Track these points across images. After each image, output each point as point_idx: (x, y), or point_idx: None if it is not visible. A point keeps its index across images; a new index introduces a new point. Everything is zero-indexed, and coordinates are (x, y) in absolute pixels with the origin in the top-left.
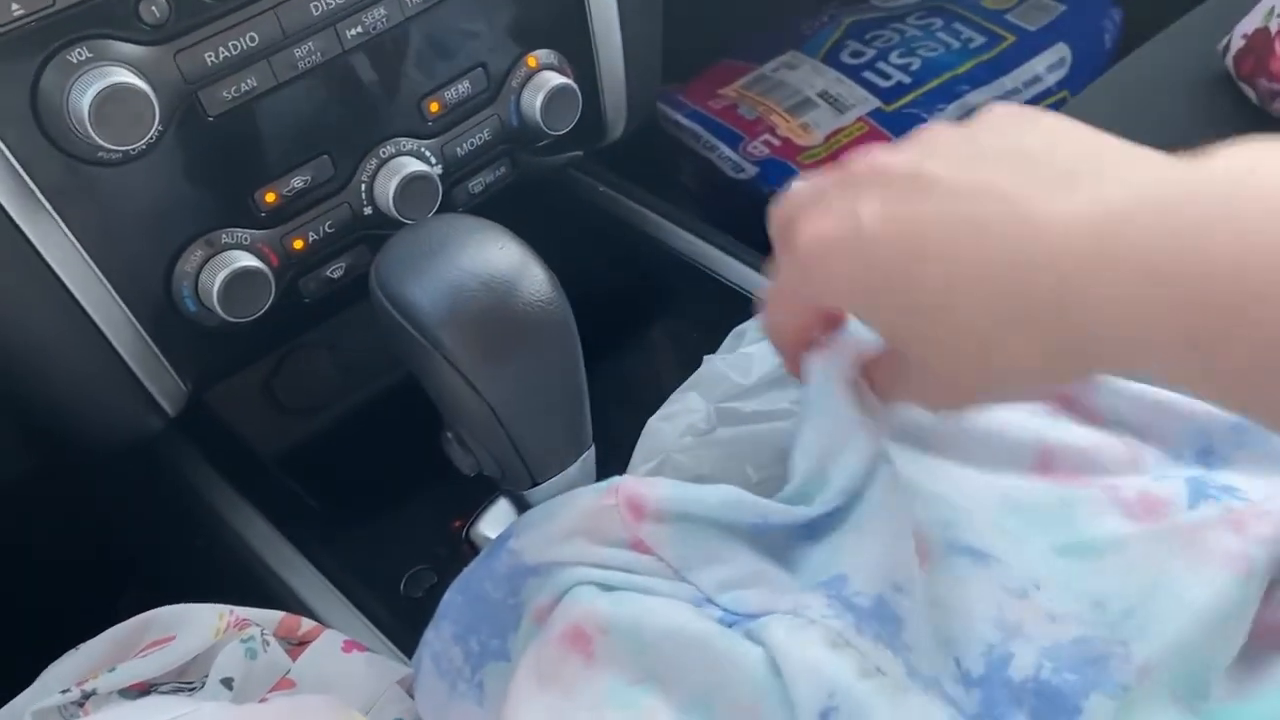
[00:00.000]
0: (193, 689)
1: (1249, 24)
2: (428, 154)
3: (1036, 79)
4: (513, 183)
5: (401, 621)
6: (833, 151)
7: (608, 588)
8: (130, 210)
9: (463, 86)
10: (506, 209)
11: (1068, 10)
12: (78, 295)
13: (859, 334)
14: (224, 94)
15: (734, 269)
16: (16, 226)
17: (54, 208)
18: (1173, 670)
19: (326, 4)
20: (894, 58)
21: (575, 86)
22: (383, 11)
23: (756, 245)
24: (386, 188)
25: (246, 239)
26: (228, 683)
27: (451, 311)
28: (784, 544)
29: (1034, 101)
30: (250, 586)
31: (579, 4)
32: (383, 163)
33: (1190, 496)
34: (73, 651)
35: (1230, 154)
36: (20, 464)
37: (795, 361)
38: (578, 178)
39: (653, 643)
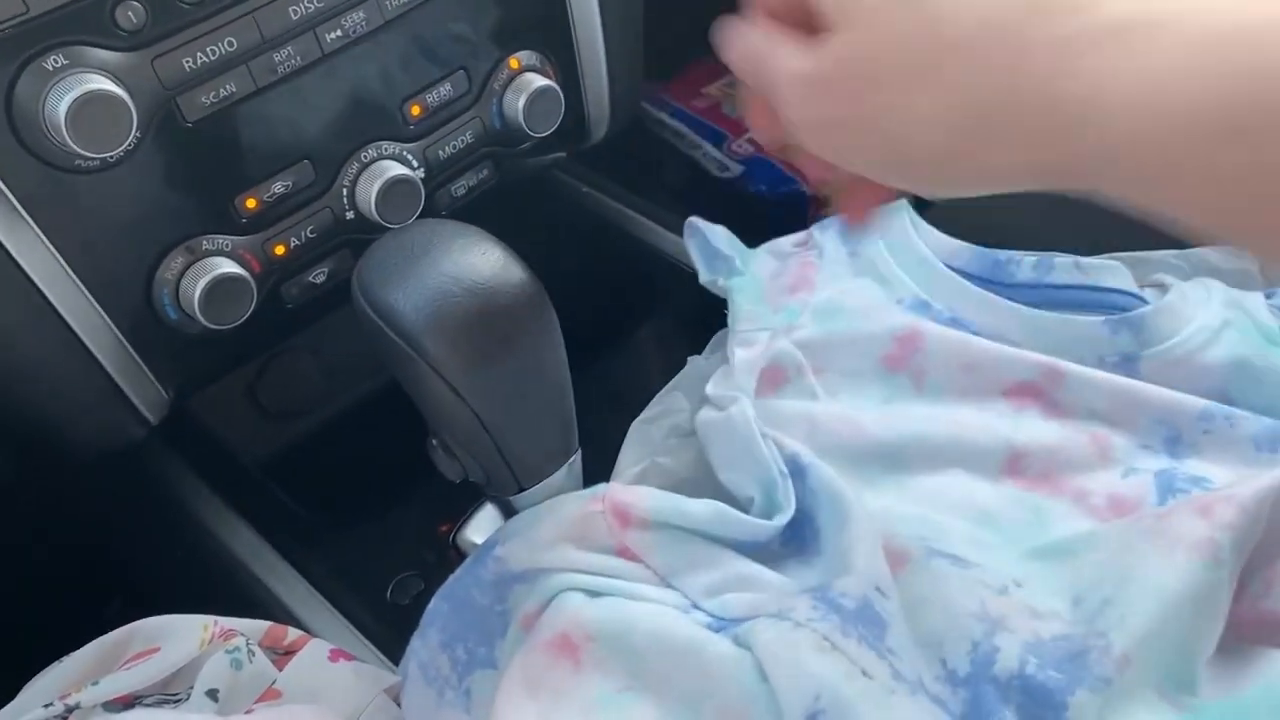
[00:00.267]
0: (178, 700)
1: None
2: (410, 157)
3: None
4: (496, 185)
5: (389, 629)
6: None
7: (594, 594)
8: (109, 218)
9: (444, 89)
10: (490, 211)
11: None
12: (56, 304)
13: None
14: (203, 100)
15: None
16: None
17: (31, 216)
18: (1153, 660)
19: (305, 8)
20: None
21: (558, 88)
22: (362, 15)
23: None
24: (368, 192)
25: (227, 245)
26: (213, 694)
27: (435, 317)
28: (767, 554)
29: None
30: (236, 595)
31: (560, 5)
32: (364, 167)
33: (1159, 494)
34: (56, 664)
35: None
36: (1, 473)
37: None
38: (561, 179)
39: (640, 649)
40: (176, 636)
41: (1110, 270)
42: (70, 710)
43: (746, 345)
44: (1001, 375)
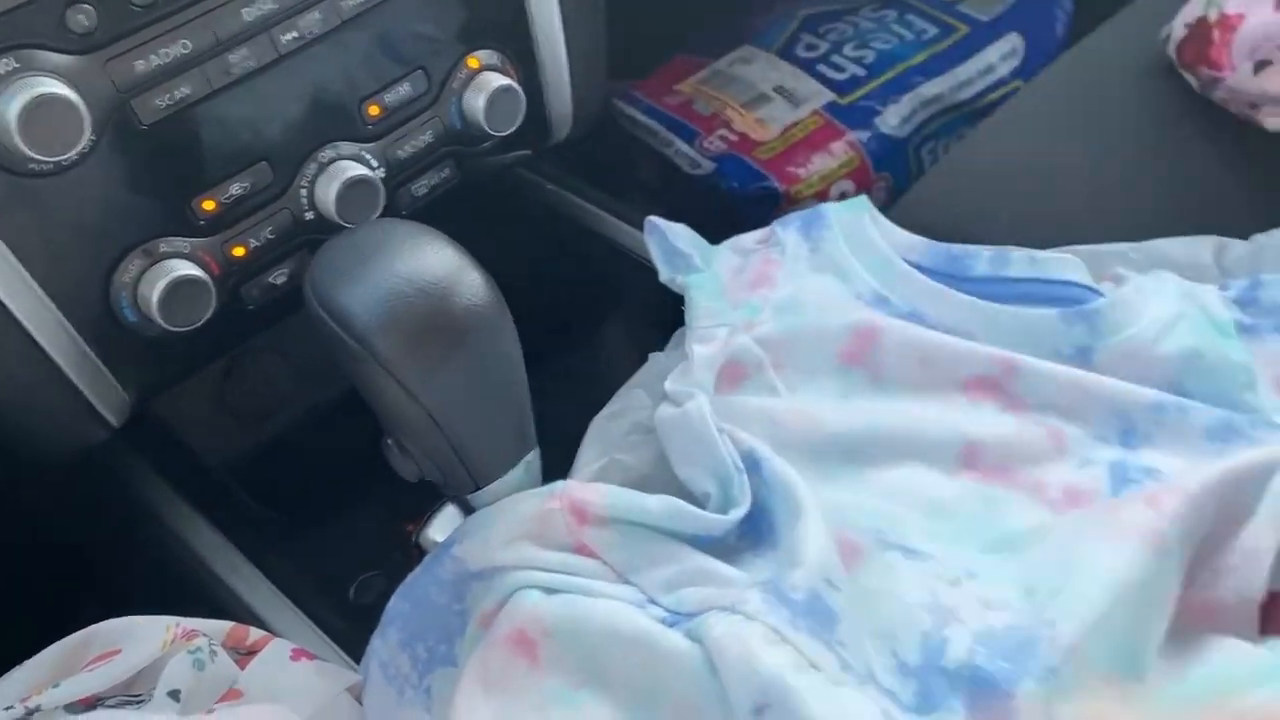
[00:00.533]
0: (140, 702)
1: (1190, 12)
2: (369, 157)
3: (990, 69)
4: (460, 183)
5: (353, 628)
6: (788, 145)
7: (551, 591)
8: (65, 221)
9: (403, 89)
10: (454, 210)
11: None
12: (12, 308)
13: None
14: (157, 102)
15: None
16: None
17: None
18: (1101, 649)
19: (260, 10)
20: (848, 50)
21: (518, 87)
22: (318, 16)
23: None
24: (327, 192)
25: (185, 247)
26: (174, 695)
27: (386, 318)
28: (724, 548)
29: (988, 91)
30: (200, 596)
31: (519, 5)
32: (323, 167)
33: (1112, 485)
34: (17, 668)
35: None
36: None
37: None
38: (526, 177)
39: (595, 645)
40: (138, 638)
41: (1065, 263)
42: (31, 713)
43: (704, 342)
44: (958, 369)
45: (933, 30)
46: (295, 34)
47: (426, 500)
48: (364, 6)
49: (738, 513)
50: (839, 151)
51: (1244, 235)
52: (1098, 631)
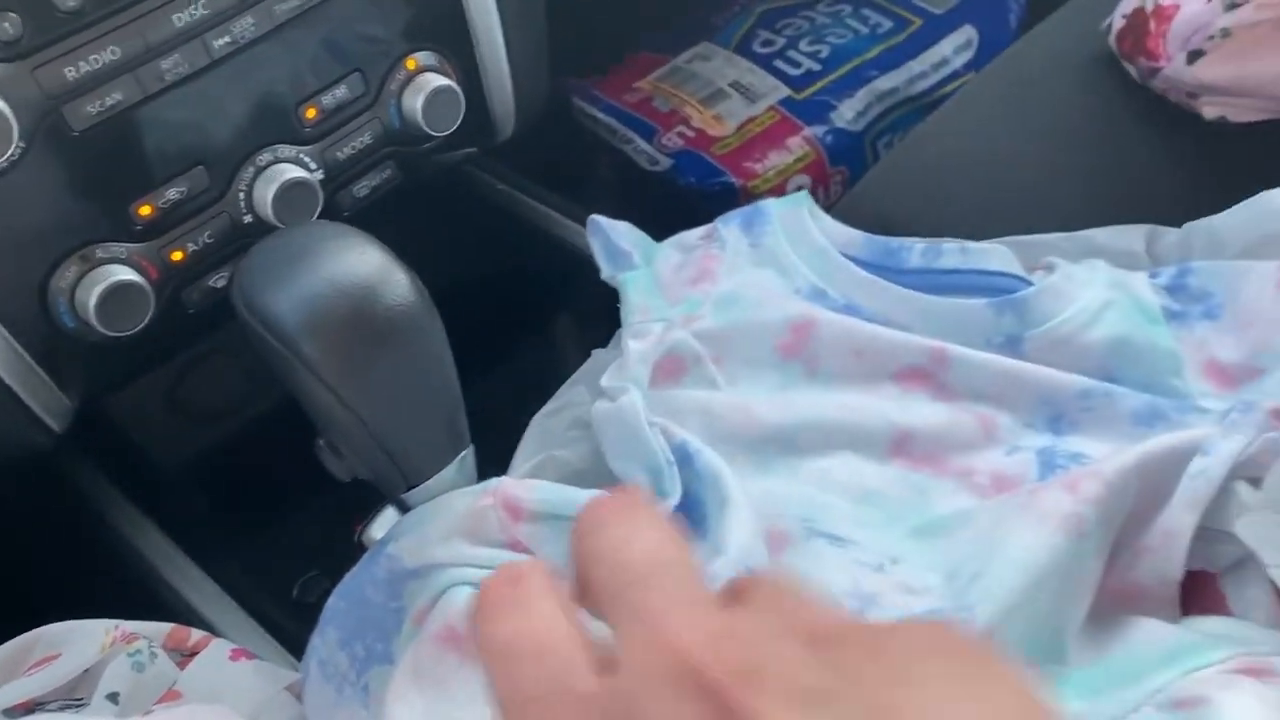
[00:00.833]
0: (81, 705)
1: (1129, 3)
2: (307, 160)
3: (944, 62)
4: (407, 183)
5: (299, 627)
6: (745, 141)
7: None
8: None
9: (340, 91)
10: (404, 210)
11: None
12: None
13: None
14: (88, 109)
15: None
16: None
17: None
18: (1019, 631)
19: (192, 15)
20: (804, 45)
21: (456, 87)
22: (251, 21)
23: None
24: (265, 195)
25: (123, 253)
26: (113, 697)
27: (310, 321)
28: None
29: (943, 84)
30: (147, 599)
31: (457, 5)
32: (260, 171)
33: (1040, 471)
34: None
35: None
36: None
37: None
38: (477, 176)
39: None
40: (78, 642)
41: (994, 254)
42: None
43: (639, 337)
44: (891, 360)
45: (887, 24)
46: (228, 39)
47: (376, 500)
48: (298, 10)
49: (668, 504)
50: (795, 147)
51: (1181, 223)
52: (1015, 615)
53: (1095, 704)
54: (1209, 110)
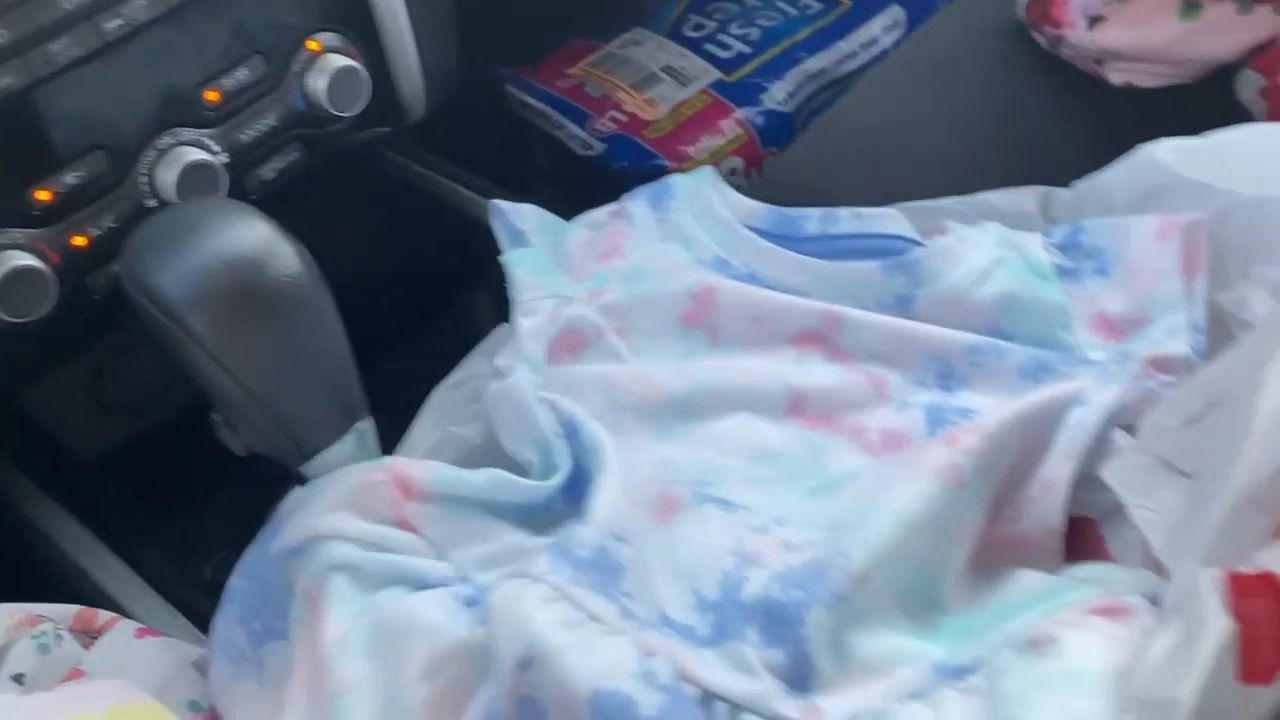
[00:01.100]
0: None
1: None
2: (210, 143)
3: (873, 41)
4: (318, 165)
5: (214, 607)
6: (677, 124)
7: (363, 578)
8: None
9: (241, 74)
10: (323, 194)
11: None
12: None
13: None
14: None
15: None
16: None
17: None
18: (894, 578)
19: None
20: (734, 28)
21: (360, 68)
22: (143, 3)
23: None
24: (167, 178)
25: (21, 239)
26: (19, 679)
27: (196, 294)
28: (546, 518)
29: (873, 63)
30: (59, 586)
31: None
32: (162, 154)
33: (929, 425)
34: None
35: None
36: None
37: None
38: (393, 159)
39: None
40: None
41: (887, 218)
42: None
43: (530, 314)
44: (787, 324)
45: (816, 6)
46: (120, 21)
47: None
48: None
49: (558, 478)
50: (727, 129)
51: None
52: (889, 560)
53: (960, 647)
54: (1115, 76)
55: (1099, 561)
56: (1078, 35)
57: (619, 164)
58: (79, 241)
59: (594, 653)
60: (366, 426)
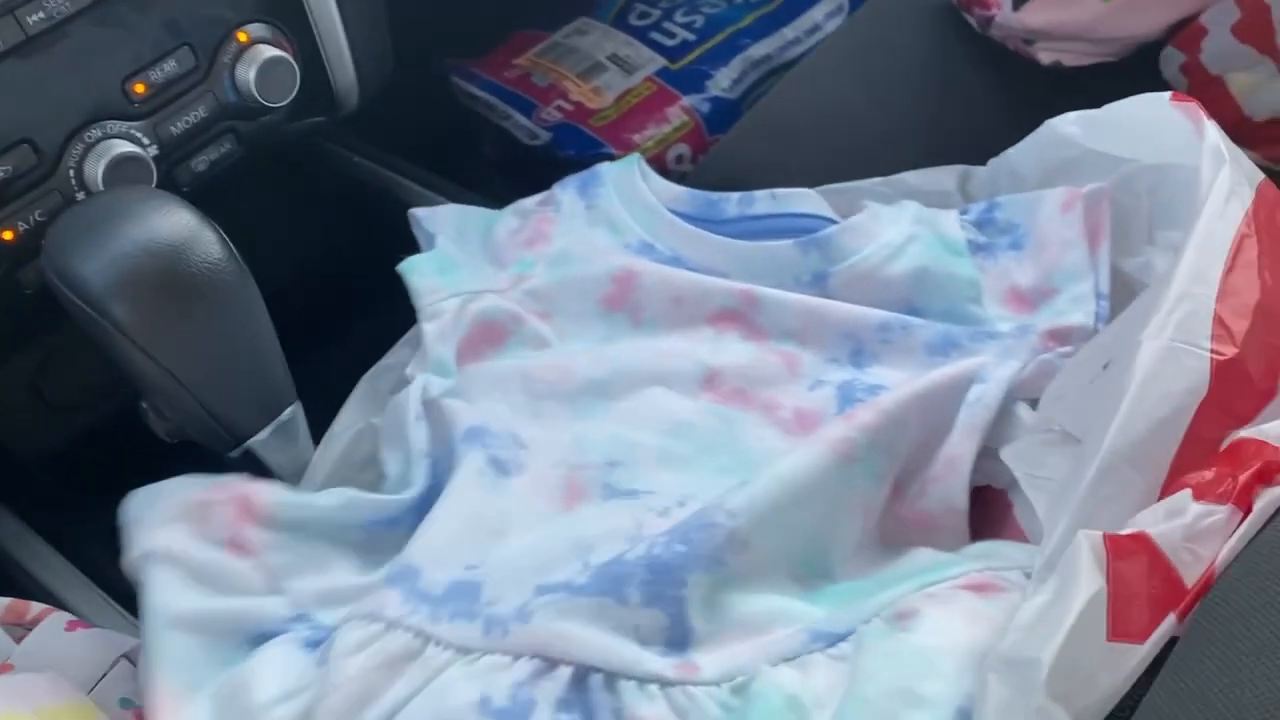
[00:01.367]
0: None
1: None
2: (139, 135)
3: (816, 27)
4: (252, 156)
5: None
6: (623, 112)
7: (198, 632)
8: None
9: (169, 66)
10: (255, 184)
11: None
12: None
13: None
14: None
15: None
16: None
17: None
18: (779, 546)
19: None
20: (678, 16)
21: (289, 58)
22: None
23: None
24: (95, 171)
25: None
26: None
27: (118, 282)
28: (390, 539)
29: (814, 49)
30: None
31: None
32: (89, 147)
33: (840, 403)
34: None
35: None
36: None
37: None
38: (333, 150)
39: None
40: None
41: (803, 198)
42: None
43: (433, 318)
44: (706, 304)
45: None
46: (43, 14)
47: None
48: None
49: (410, 493)
50: (673, 116)
51: None
52: (772, 525)
53: (837, 612)
54: (1044, 56)
55: (998, 540)
56: (1005, 16)
57: (566, 153)
58: (7, 236)
59: (473, 678)
60: (294, 413)
